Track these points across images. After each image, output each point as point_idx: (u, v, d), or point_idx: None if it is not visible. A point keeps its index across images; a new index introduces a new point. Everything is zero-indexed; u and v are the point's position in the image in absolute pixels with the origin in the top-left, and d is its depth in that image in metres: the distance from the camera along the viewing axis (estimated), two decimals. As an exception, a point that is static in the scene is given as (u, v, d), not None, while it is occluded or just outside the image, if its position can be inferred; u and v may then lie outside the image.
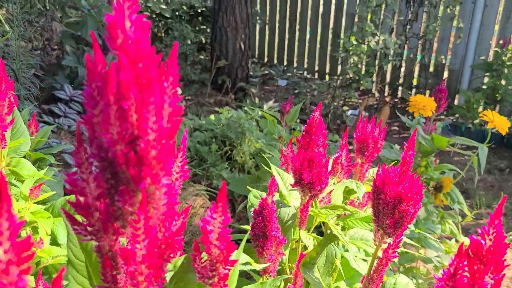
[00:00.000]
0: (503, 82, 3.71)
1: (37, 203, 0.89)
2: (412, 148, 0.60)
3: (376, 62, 3.09)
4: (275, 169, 0.97)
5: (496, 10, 3.94)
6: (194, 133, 2.62)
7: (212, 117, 2.74)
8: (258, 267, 0.63)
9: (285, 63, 5.21)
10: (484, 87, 3.77)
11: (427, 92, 4.42)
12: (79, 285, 0.41)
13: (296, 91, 3.85)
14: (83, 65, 2.71)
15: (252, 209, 0.76)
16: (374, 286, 0.65)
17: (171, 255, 0.38)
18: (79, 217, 0.37)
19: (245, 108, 2.72)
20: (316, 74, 4.97)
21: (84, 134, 0.36)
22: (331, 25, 4.75)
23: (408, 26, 3.66)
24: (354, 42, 3.01)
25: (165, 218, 0.38)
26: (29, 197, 0.84)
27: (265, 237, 0.73)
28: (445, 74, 4.38)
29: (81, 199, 0.37)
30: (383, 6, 2.98)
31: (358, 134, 1.00)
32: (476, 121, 3.67)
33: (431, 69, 4.36)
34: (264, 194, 0.91)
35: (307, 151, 0.80)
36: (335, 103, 3.45)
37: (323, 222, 1.08)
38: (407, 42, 3.75)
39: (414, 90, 4.41)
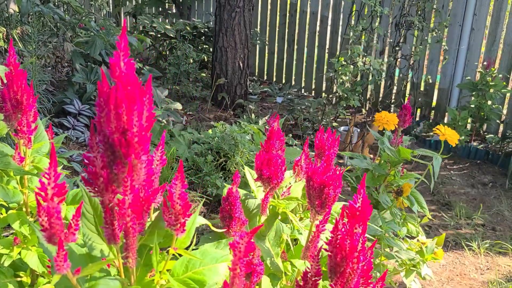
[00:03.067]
0: (489, 101, 3.91)
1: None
2: (332, 148, 0.81)
3: (364, 81, 3.33)
4: (247, 169, 1.18)
5: (482, 34, 4.17)
6: (193, 146, 2.84)
7: (210, 131, 2.97)
8: (217, 230, 0.84)
9: (284, 81, 5.47)
10: (472, 105, 3.97)
11: (418, 110, 4.65)
12: (88, 229, 0.62)
13: (291, 108, 4.08)
14: (91, 82, 2.97)
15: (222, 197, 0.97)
16: (309, 253, 0.86)
17: (148, 208, 0.60)
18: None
19: (241, 122, 2.94)
20: (313, 92, 5.21)
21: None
22: (327, 45, 5.01)
23: (397, 48, 3.91)
24: (343, 63, 3.25)
25: (145, 184, 0.60)
26: (48, 187, 1.06)
27: (230, 218, 0.95)
28: (435, 93, 4.60)
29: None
30: (370, 30, 3.22)
31: (317, 142, 1.22)
32: (462, 137, 3.86)
33: (422, 88, 4.58)
34: (234, 188, 1.13)
35: (267, 153, 1.01)
36: (327, 119, 3.67)
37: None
38: (397, 62, 3.99)
39: (405, 108, 4.62)
